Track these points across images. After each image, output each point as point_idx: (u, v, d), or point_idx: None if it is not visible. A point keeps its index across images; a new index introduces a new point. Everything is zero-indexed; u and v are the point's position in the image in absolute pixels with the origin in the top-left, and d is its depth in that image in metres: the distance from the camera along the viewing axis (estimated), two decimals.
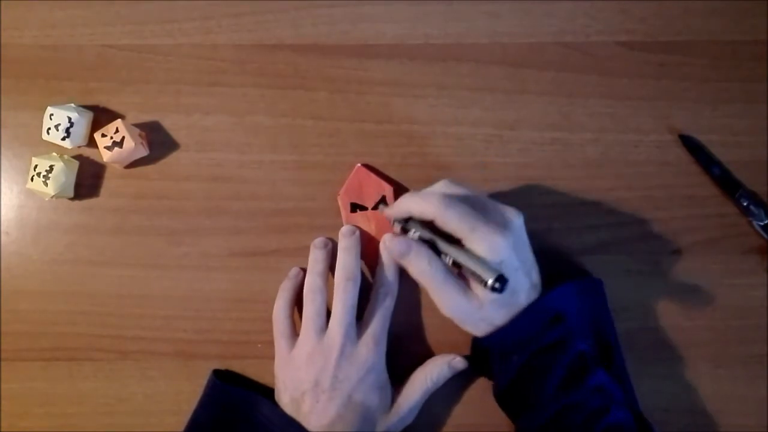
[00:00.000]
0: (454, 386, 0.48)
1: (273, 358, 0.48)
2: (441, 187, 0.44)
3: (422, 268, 0.43)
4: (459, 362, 0.47)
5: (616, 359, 0.45)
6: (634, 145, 0.49)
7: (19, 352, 0.50)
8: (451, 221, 0.41)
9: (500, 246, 0.41)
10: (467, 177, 0.49)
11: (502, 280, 0.39)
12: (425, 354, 0.49)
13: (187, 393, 0.49)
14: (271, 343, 0.48)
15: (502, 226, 0.41)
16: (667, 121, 0.49)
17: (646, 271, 0.49)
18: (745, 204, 0.48)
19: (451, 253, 0.42)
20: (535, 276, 0.44)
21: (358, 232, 0.48)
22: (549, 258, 0.46)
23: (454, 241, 0.42)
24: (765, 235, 0.48)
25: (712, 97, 0.49)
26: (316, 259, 0.48)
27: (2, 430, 0.49)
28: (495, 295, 0.40)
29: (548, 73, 0.50)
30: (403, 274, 0.47)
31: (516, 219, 0.42)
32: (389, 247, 0.44)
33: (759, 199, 0.48)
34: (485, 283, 0.39)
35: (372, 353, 0.45)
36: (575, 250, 0.49)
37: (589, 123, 0.49)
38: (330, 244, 0.49)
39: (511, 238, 0.41)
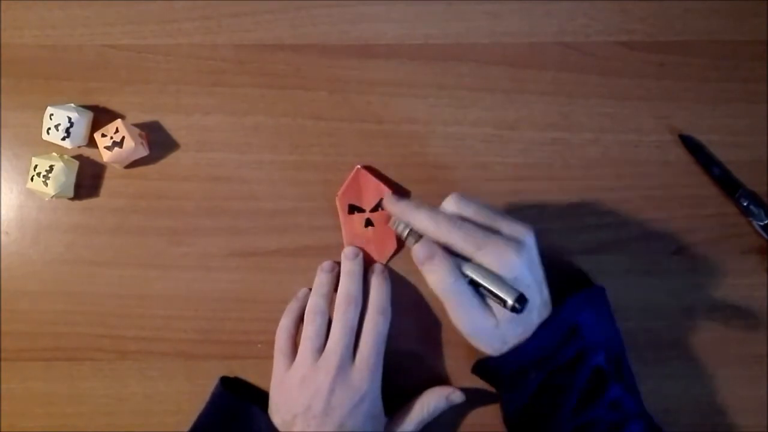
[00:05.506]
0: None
1: (273, 357, 0.48)
2: (449, 204, 0.42)
3: (444, 279, 0.41)
4: (457, 396, 0.46)
5: (625, 367, 0.45)
6: (634, 145, 0.49)
7: (19, 352, 0.50)
8: (457, 243, 0.41)
9: (513, 262, 0.40)
10: (467, 177, 0.49)
11: (522, 300, 0.39)
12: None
13: (187, 393, 0.49)
14: (271, 343, 0.48)
15: (515, 241, 0.41)
16: (667, 121, 0.49)
17: (646, 271, 0.49)
18: (745, 204, 0.48)
19: (469, 272, 0.41)
20: (546, 292, 0.43)
21: (361, 255, 0.48)
22: (548, 258, 0.46)
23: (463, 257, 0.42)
24: (765, 235, 0.48)
25: (712, 97, 0.49)
26: (321, 282, 0.47)
27: (2, 430, 0.49)
28: (512, 314, 0.40)
29: (548, 73, 0.50)
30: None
31: (529, 236, 0.41)
32: (414, 254, 0.42)
33: (759, 199, 0.48)
34: (505, 303, 0.39)
35: (366, 381, 0.44)
36: (575, 250, 0.49)
37: (589, 123, 0.49)
38: (337, 269, 0.48)
39: (525, 255, 0.40)
